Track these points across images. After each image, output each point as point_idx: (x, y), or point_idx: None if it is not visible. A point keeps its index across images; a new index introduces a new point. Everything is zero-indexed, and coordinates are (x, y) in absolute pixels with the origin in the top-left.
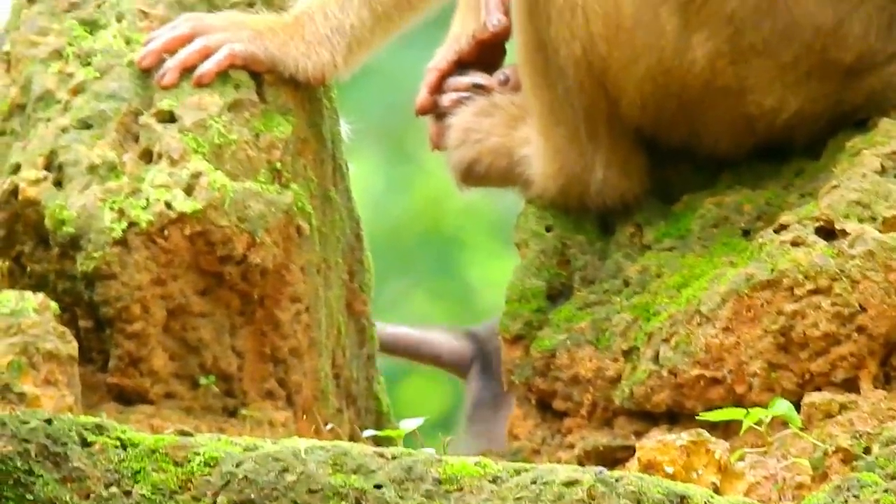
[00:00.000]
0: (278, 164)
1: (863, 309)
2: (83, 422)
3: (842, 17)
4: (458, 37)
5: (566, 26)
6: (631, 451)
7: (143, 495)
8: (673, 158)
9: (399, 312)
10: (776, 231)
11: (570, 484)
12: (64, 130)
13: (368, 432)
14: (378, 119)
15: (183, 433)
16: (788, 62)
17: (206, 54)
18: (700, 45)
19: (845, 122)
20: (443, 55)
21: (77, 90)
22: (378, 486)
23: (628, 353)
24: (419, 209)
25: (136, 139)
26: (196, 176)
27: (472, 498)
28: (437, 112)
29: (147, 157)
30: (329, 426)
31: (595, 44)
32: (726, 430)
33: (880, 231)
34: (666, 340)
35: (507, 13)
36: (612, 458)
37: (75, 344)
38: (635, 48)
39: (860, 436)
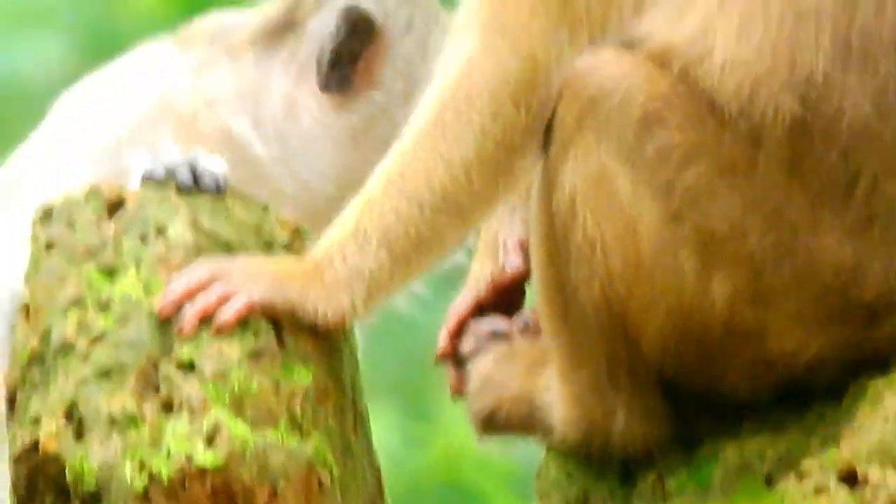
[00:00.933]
0: (299, 414)
1: None
2: None
3: (861, 258)
4: (477, 280)
5: (586, 265)
6: None
7: None
8: (694, 402)
9: None
10: (798, 479)
11: None
12: (84, 381)
13: None
14: (395, 369)
15: None
16: (808, 304)
17: (224, 301)
18: (719, 286)
19: (867, 364)
20: (462, 299)
21: (96, 339)
22: None
23: None
24: (438, 463)
25: (157, 389)
26: (217, 427)
27: None
28: (457, 358)
29: (168, 407)
30: None
31: (614, 284)
32: None
33: None
34: None
35: (525, 255)
36: None
37: None
38: (655, 289)
39: None
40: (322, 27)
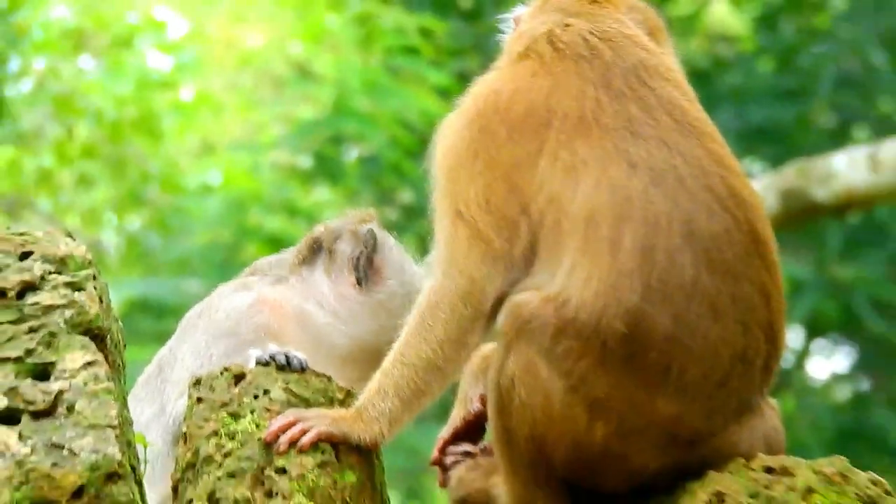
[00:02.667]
0: (349, 499)
1: None
2: None
3: (680, 412)
4: (454, 419)
5: (520, 417)
6: None
7: None
8: (585, 493)
9: None
10: None
11: None
12: (219, 479)
13: None
14: (405, 472)
15: None
16: (651, 439)
17: (303, 432)
18: (599, 429)
19: (689, 472)
20: (447, 429)
21: (226, 455)
22: None
23: None
24: None
25: (263, 484)
26: None
27: None
28: (443, 465)
29: (269, 495)
30: None
31: (537, 428)
32: None
33: None
34: None
35: (484, 405)
36: None
37: None
38: (561, 431)
39: None
40: (347, 246)
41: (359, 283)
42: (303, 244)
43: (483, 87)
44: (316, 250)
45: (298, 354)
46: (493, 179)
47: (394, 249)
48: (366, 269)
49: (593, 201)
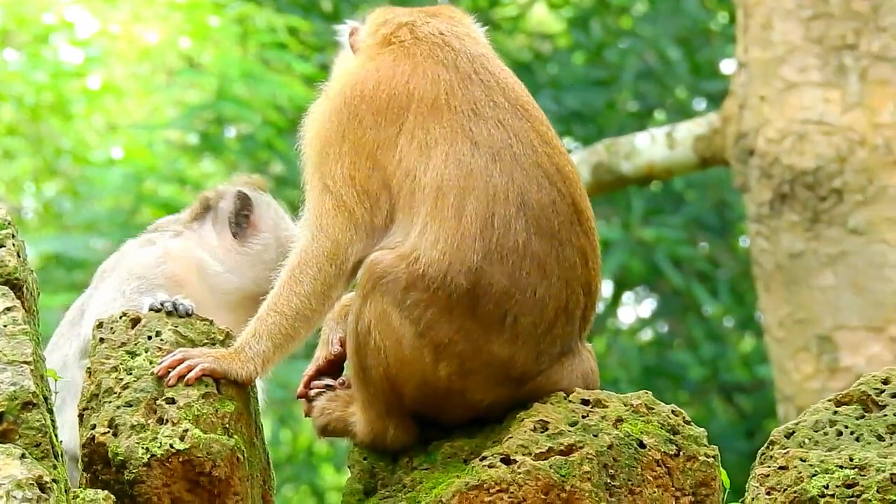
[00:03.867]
0: (228, 425)
1: (523, 499)
2: None
3: (512, 354)
4: (318, 357)
5: (374, 358)
6: None
7: None
8: (430, 423)
9: None
10: (480, 460)
11: None
12: (118, 408)
13: None
14: (276, 400)
15: None
16: (487, 377)
17: (189, 368)
18: (443, 369)
19: (518, 405)
20: (310, 367)
21: (124, 387)
22: None
23: None
24: (295, 449)
25: (155, 412)
26: (185, 431)
27: None
28: (308, 397)
29: (160, 421)
30: None
31: (390, 368)
32: None
33: (533, 460)
34: None
35: (343, 345)
36: None
37: None
38: (410, 370)
39: None
40: (228, 205)
41: (234, 236)
42: (196, 203)
43: (349, 76)
44: (205, 208)
45: (185, 302)
46: (358, 159)
47: (270, 207)
48: (241, 225)
49: (442, 174)
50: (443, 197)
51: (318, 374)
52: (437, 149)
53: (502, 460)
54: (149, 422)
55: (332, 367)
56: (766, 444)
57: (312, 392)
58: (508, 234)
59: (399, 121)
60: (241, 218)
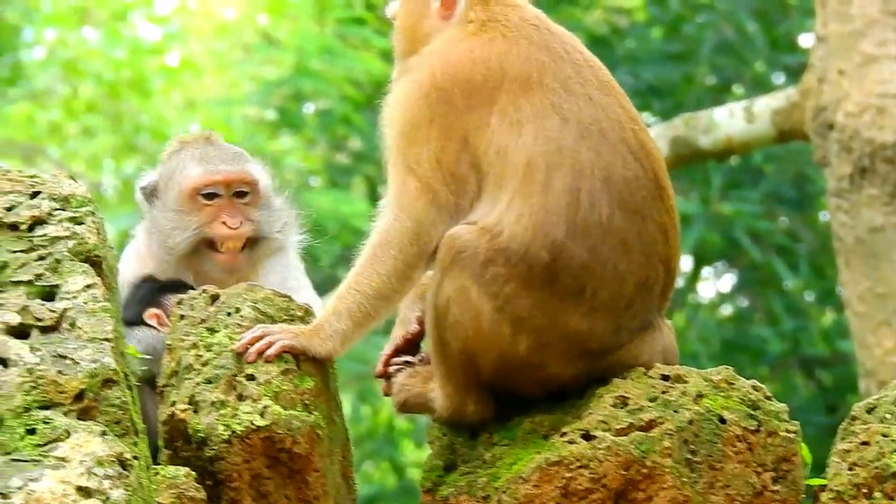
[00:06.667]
0: (307, 402)
1: (604, 475)
2: None
3: (591, 327)
4: (396, 337)
5: (453, 332)
6: None
7: None
8: (509, 397)
9: None
10: (560, 436)
11: None
12: (197, 384)
13: None
14: (356, 378)
15: None
16: (565, 350)
17: (269, 345)
18: (521, 342)
19: (597, 379)
20: (388, 346)
21: (204, 364)
22: None
23: (486, 499)
24: (376, 425)
25: (235, 388)
26: (265, 407)
27: None
28: (386, 375)
29: (240, 398)
30: None
31: (469, 342)
32: None
33: (613, 436)
34: (504, 492)
35: (421, 324)
36: None
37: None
38: (489, 344)
39: None
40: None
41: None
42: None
43: (440, 58)
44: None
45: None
46: (447, 142)
47: (169, 169)
48: (154, 200)
49: (532, 150)
50: (531, 173)
51: (397, 352)
52: (528, 126)
53: (582, 436)
54: (229, 398)
55: (410, 346)
56: (847, 420)
57: (391, 369)
58: (593, 209)
59: (492, 100)
60: (151, 198)
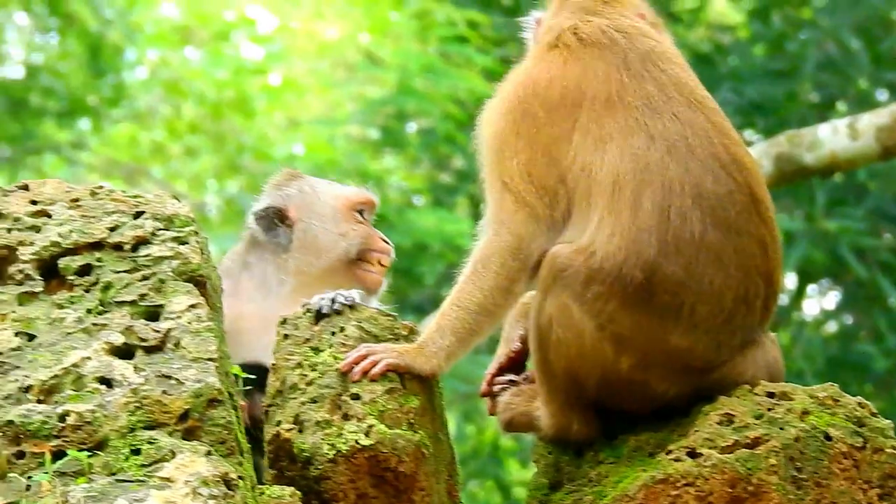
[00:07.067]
0: (413, 420)
1: (710, 493)
2: None
3: (692, 344)
4: (499, 355)
5: (556, 351)
6: None
7: None
8: (613, 415)
9: None
10: (666, 454)
11: None
12: (303, 404)
13: None
14: (461, 396)
15: None
16: (665, 367)
17: (374, 364)
18: (624, 361)
19: (701, 397)
20: (492, 365)
21: (309, 383)
22: None
23: None
24: (480, 443)
25: (339, 408)
26: (370, 426)
27: None
28: (491, 394)
29: (345, 417)
30: None
31: (571, 361)
32: None
33: (719, 453)
34: None
35: (523, 342)
36: None
37: None
38: (592, 363)
39: None
40: (258, 232)
41: (280, 246)
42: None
43: (521, 75)
44: (255, 241)
45: (343, 294)
46: (533, 154)
47: (299, 194)
48: (278, 234)
49: (618, 168)
50: (619, 191)
51: (501, 371)
52: (613, 143)
53: (688, 454)
54: (334, 418)
55: (514, 365)
56: None
57: (496, 388)
58: (684, 226)
59: (572, 117)
60: (275, 229)
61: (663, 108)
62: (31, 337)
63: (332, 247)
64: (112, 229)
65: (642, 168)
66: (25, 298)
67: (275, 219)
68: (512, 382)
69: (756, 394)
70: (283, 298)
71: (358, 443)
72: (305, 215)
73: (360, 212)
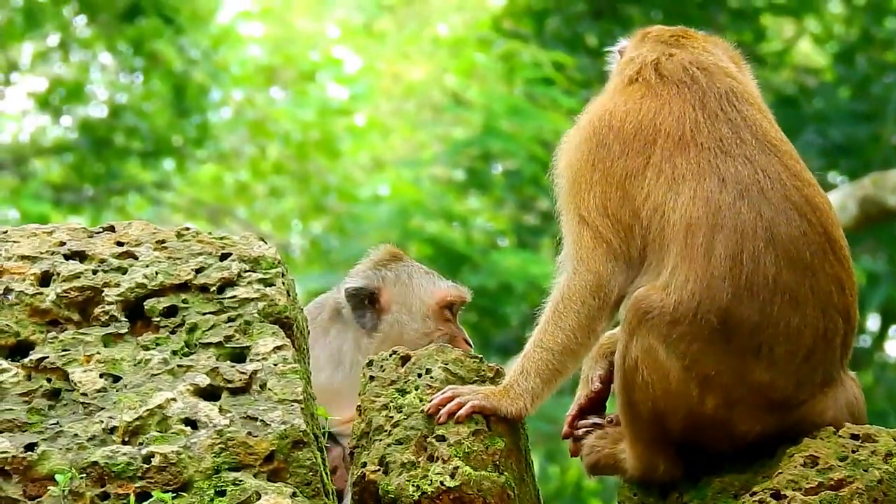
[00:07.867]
0: (498, 462)
1: None
2: None
3: (772, 380)
4: (579, 396)
5: (642, 392)
6: None
7: None
8: (698, 456)
9: None
10: (750, 496)
11: None
12: (388, 445)
13: None
14: (544, 438)
15: None
16: (749, 405)
17: (460, 406)
18: (709, 401)
19: (786, 437)
20: (573, 407)
21: (395, 425)
22: None
23: None
24: (563, 485)
25: (425, 449)
26: (456, 468)
27: None
28: (573, 436)
29: (431, 459)
30: None
31: (657, 401)
32: None
33: (803, 495)
34: None
35: (603, 382)
36: None
37: None
38: (678, 404)
39: None
40: (346, 309)
41: (365, 329)
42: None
43: (598, 107)
44: (338, 312)
45: None
46: (608, 188)
47: (397, 280)
48: (366, 317)
49: (691, 212)
50: (692, 235)
51: (581, 412)
52: (685, 185)
53: (773, 496)
54: (419, 459)
55: (594, 405)
56: None
57: (580, 431)
58: (758, 269)
59: (646, 153)
60: (363, 309)
61: (736, 151)
62: (117, 378)
63: (415, 345)
64: (198, 271)
65: (714, 212)
66: (111, 340)
67: (366, 300)
68: (596, 425)
69: (840, 436)
70: (353, 377)
71: (443, 484)
72: (396, 307)
73: (450, 306)
